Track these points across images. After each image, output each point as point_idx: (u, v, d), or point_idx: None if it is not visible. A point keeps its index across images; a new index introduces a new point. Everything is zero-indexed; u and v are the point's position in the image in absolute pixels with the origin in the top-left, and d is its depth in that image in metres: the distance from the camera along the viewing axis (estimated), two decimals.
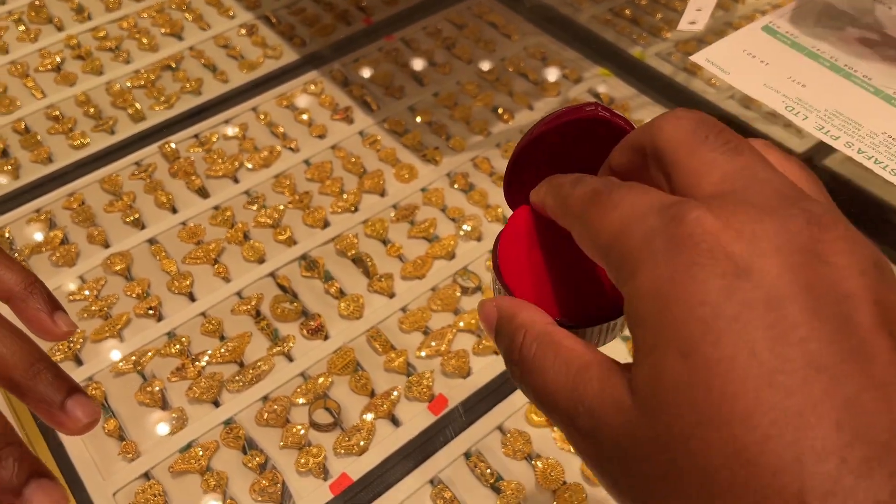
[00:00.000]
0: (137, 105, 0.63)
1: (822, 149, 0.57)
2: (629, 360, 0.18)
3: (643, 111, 0.64)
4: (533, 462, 0.43)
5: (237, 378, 0.47)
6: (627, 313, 0.18)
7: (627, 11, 0.73)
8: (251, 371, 0.47)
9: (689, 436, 0.15)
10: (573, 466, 0.43)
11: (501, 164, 0.60)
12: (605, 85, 0.66)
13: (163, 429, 0.45)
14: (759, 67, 0.39)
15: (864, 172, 0.36)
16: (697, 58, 0.40)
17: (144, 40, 0.69)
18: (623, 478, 0.17)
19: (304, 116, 0.63)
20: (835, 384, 0.15)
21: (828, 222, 0.17)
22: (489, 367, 0.48)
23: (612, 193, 0.19)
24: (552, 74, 0.67)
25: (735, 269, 0.16)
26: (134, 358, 0.48)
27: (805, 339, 0.15)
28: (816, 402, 0.15)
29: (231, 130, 0.62)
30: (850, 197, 0.54)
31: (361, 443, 0.44)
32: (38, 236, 0.55)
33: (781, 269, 0.16)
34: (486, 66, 0.67)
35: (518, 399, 0.46)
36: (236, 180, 0.59)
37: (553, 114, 0.24)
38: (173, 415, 0.45)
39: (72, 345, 0.49)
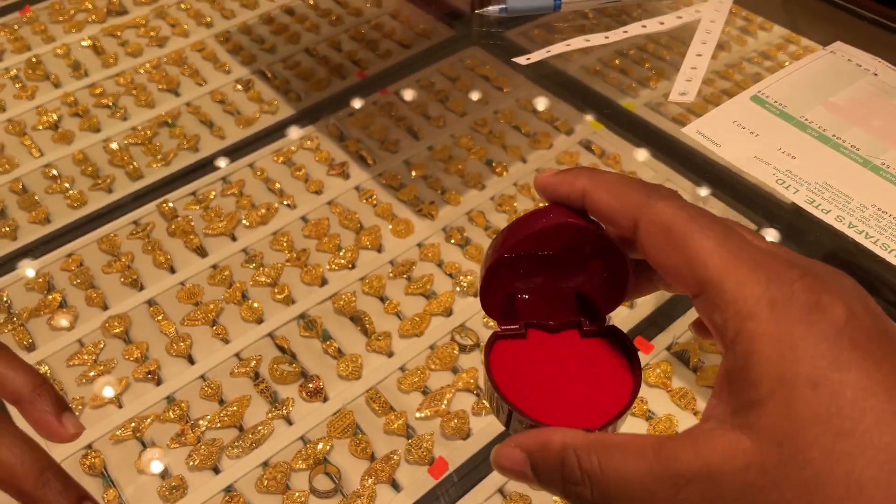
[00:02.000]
0: (135, 163, 0.64)
1: None
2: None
3: (634, 162, 0.65)
4: None
5: (237, 443, 0.47)
6: (741, 354, 0.20)
7: (617, 62, 0.74)
8: (251, 436, 0.47)
9: (830, 449, 0.18)
10: None
11: (496, 218, 0.61)
12: (596, 136, 0.67)
13: (163, 498, 0.45)
14: (749, 139, 0.40)
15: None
16: (689, 130, 0.41)
17: (141, 97, 0.70)
18: None
19: (301, 172, 0.64)
20: None
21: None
22: (488, 427, 0.48)
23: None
24: (543, 126, 0.68)
25: (846, 314, 0.19)
26: (133, 424, 0.48)
27: None
28: None
29: (236, 168, 0.62)
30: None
31: None
32: (35, 299, 0.55)
33: (865, 311, 0.20)
34: (478, 119, 0.68)
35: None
36: (234, 238, 0.59)
37: (523, 218, 0.25)
38: (173, 483, 0.45)
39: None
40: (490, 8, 0.48)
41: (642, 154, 0.65)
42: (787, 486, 0.18)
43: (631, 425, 0.48)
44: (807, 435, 0.18)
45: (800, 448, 0.18)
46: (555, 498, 0.45)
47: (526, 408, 0.24)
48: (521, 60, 0.45)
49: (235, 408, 0.49)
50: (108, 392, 0.49)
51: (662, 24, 0.44)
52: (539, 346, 0.24)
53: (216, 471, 0.46)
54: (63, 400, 0.28)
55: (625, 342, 0.25)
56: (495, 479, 0.45)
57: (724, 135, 0.40)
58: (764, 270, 0.21)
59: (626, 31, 0.45)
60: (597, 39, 0.44)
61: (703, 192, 0.62)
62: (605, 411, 0.24)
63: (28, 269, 0.57)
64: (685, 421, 0.48)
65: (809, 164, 0.39)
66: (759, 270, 0.21)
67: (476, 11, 0.68)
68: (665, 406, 0.49)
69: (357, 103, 0.70)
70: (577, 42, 0.43)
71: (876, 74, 0.45)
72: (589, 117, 0.68)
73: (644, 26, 0.44)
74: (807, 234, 0.58)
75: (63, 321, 0.53)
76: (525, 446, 0.22)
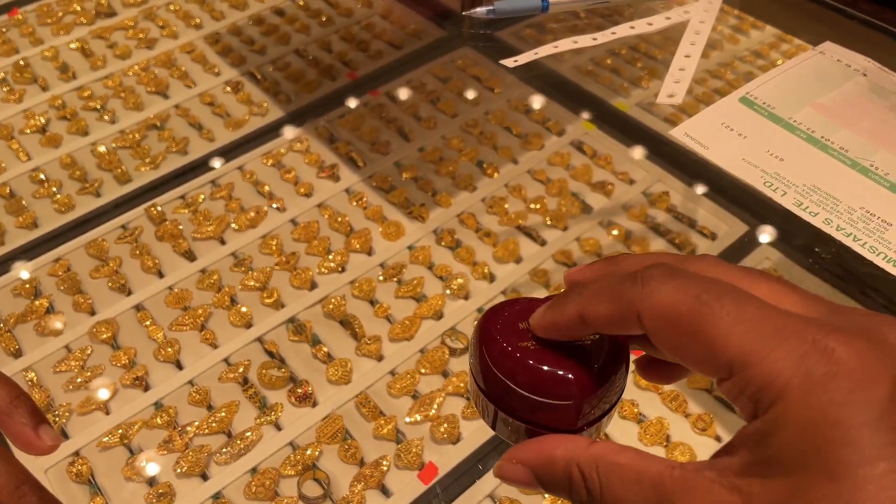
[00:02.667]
0: (123, 166, 0.64)
1: None
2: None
3: (627, 162, 0.64)
4: None
5: (225, 450, 0.47)
6: (767, 434, 0.19)
7: (609, 62, 0.74)
8: (239, 442, 0.47)
9: None
10: None
11: (487, 220, 0.60)
12: (587, 136, 0.67)
13: None
14: (737, 141, 0.40)
15: None
16: (676, 132, 0.40)
17: (130, 99, 0.69)
18: None
19: (291, 174, 0.63)
20: None
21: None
22: (478, 431, 0.48)
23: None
24: (535, 127, 0.68)
25: (892, 390, 0.18)
26: (121, 431, 0.47)
27: None
28: None
29: (226, 171, 0.62)
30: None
31: None
32: (23, 304, 0.54)
33: None
34: (469, 120, 0.68)
35: None
36: (223, 242, 0.59)
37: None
38: (160, 490, 0.45)
39: (57, 418, 0.48)
40: (478, 10, 0.48)
41: (634, 154, 0.65)
42: None
43: (622, 428, 0.48)
44: None
45: None
46: (544, 503, 0.45)
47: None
48: (509, 63, 0.44)
49: (224, 413, 0.48)
50: (104, 394, 0.49)
51: (651, 24, 0.44)
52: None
53: (204, 477, 0.46)
54: (40, 412, 0.27)
55: (616, 341, 0.25)
56: (485, 484, 0.45)
57: (712, 137, 0.40)
58: (796, 341, 0.18)
59: (614, 33, 0.44)
60: (585, 41, 0.44)
61: (697, 191, 0.62)
62: (591, 404, 0.23)
63: (15, 273, 0.56)
64: (676, 424, 0.48)
65: (797, 166, 0.39)
66: (789, 342, 0.18)
67: (464, 13, 0.68)
68: (656, 409, 0.49)
69: (348, 105, 0.69)
70: (565, 44, 0.43)
71: (865, 75, 0.44)
72: (581, 118, 0.68)
73: (632, 27, 0.44)
74: (801, 235, 0.58)
75: (58, 323, 0.53)
76: (527, 462, 0.22)
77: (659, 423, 0.48)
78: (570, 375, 0.23)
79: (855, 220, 0.37)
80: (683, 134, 0.40)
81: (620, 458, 0.20)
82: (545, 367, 0.23)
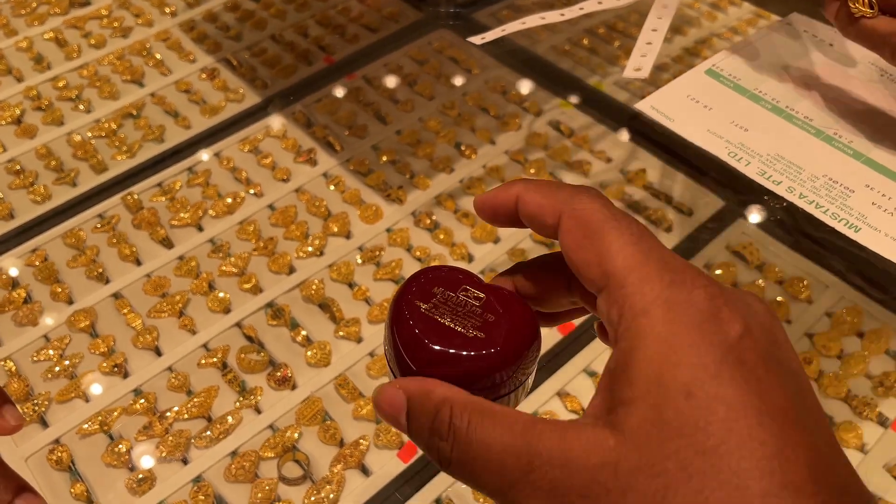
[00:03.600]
0: (99, 155, 0.63)
1: None
2: None
3: (604, 141, 0.65)
4: None
5: (205, 434, 0.47)
6: (625, 350, 0.20)
7: (585, 41, 0.74)
8: (219, 426, 0.47)
9: (687, 463, 0.17)
10: None
11: (465, 202, 0.60)
12: (565, 116, 0.67)
13: (131, 490, 0.45)
14: (702, 113, 0.40)
15: None
16: (642, 105, 0.40)
17: (105, 88, 0.69)
18: None
19: (268, 160, 0.63)
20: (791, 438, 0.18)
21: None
22: None
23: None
24: (513, 108, 0.68)
25: (742, 331, 0.19)
26: (100, 418, 0.48)
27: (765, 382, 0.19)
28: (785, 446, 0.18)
29: (204, 157, 0.62)
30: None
31: (332, 495, 0.44)
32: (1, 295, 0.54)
33: (763, 334, 0.20)
34: (447, 102, 0.68)
35: None
36: (200, 228, 0.59)
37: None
38: (141, 475, 0.45)
39: (37, 407, 0.48)
40: None
41: (611, 133, 0.65)
42: (633, 494, 0.18)
43: None
44: (668, 445, 0.18)
45: (657, 457, 0.18)
46: None
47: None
48: (476, 40, 0.44)
49: (203, 398, 0.48)
50: (83, 382, 0.49)
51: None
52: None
53: (184, 462, 0.46)
54: (4, 393, 0.27)
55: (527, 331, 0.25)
56: None
57: (678, 109, 0.40)
58: (670, 273, 0.20)
59: (581, 8, 0.44)
60: (552, 17, 0.44)
61: (674, 168, 0.62)
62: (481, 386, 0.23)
63: None
64: None
65: (762, 136, 0.39)
66: (665, 272, 0.20)
67: None
68: None
69: (324, 89, 0.69)
70: (533, 20, 0.43)
71: (832, 45, 0.44)
72: (558, 98, 0.68)
73: (600, 2, 0.44)
74: (777, 210, 0.58)
75: (38, 314, 0.53)
76: (408, 390, 0.22)
77: None
78: (434, 355, 0.23)
79: (818, 187, 0.37)
80: (649, 107, 0.40)
81: (496, 408, 0.21)
82: (437, 347, 0.23)
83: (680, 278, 0.20)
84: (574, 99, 0.68)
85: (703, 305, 0.19)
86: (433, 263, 0.56)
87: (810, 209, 0.36)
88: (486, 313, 0.25)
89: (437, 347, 0.23)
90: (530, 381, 0.25)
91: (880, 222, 0.36)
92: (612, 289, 0.20)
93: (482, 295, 0.25)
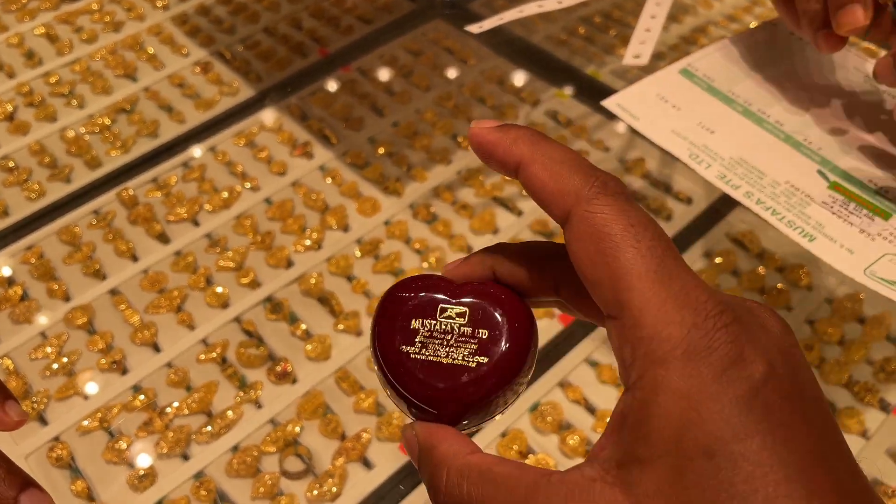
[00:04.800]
0: (93, 151, 0.63)
1: None
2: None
3: (602, 130, 0.64)
4: None
5: (205, 429, 0.46)
6: (641, 401, 0.18)
7: (581, 30, 0.74)
8: (219, 421, 0.47)
9: None
10: None
11: (463, 193, 0.60)
12: (562, 105, 0.66)
13: (132, 487, 0.45)
14: (669, 113, 0.39)
15: None
16: (608, 103, 0.40)
17: (98, 83, 0.68)
18: None
19: (263, 154, 0.63)
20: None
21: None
22: None
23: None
24: (509, 98, 0.67)
25: (766, 372, 0.18)
26: (100, 415, 0.47)
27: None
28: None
29: (198, 153, 0.61)
30: None
31: (334, 489, 0.44)
32: None
33: (786, 367, 0.18)
34: (443, 93, 0.67)
35: (490, 433, 0.46)
36: (197, 223, 0.58)
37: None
38: (142, 472, 0.45)
39: (36, 405, 0.48)
40: None
41: (608, 121, 0.65)
42: None
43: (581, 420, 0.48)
44: None
45: None
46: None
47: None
48: (474, 29, 0.44)
49: (203, 394, 0.48)
50: (82, 379, 0.49)
51: None
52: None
53: (185, 457, 0.46)
54: (6, 388, 0.27)
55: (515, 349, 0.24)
56: None
57: (646, 109, 0.39)
58: (691, 312, 0.18)
59: None
60: (550, 5, 0.43)
61: (672, 157, 0.62)
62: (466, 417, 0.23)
63: None
64: None
65: (728, 139, 0.38)
66: (685, 310, 0.18)
67: None
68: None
69: (319, 82, 0.69)
70: (530, 8, 0.42)
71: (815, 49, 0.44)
72: (555, 87, 0.68)
73: None
74: None
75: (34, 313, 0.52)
76: (420, 439, 0.22)
77: None
78: (445, 394, 0.23)
79: (777, 194, 0.36)
80: (616, 105, 0.39)
81: (497, 470, 0.20)
82: (423, 378, 0.23)
83: (702, 319, 0.18)
84: (570, 89, 0.68)
85: (724, 351, 0.18)
86: (431, 257, 0.56)
87: (766, 216, 0.35)
88: (476, 329, 0.23)
89: (441, 385, 0.23)
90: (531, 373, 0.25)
91: (837, 232, 0.35)
92: (626, 324, 0.19)
93: (463, 310, 0.24)
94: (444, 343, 0.23)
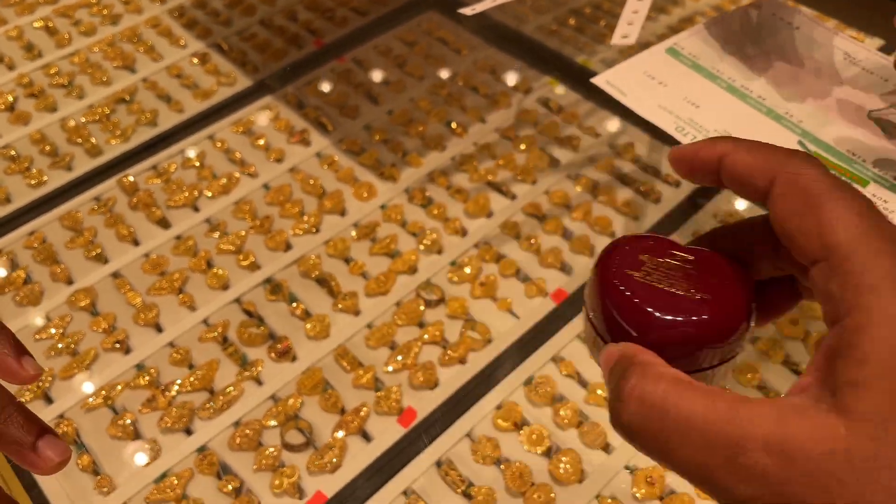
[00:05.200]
0: (93, 140, 0.64)
1: None
2: None
3: (591, 117, 0.66)
4: (501, 466, 0.45)
5: (208, 405, 0.48)
6: (851, 329, 0.19)
7: (571, 21, 0.75)
8: (221, 397, 0.48)
9: None
10: (540, 468, 0.45)
11: (457, 178, 0.61)
12: (553, 93, 0.68)
13: (137, 461, 0.46)
14: (656, 89, 0.41)
15: None
16: (598, 80, 0.41)
17: (97, 75, 0.69)
18: (821, 500, 0.17)
19: (261, 141, 0.64)
20: None
21: None
22: (455, 377, 0.49)
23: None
24: (502, 86, 0.69)
25: None
26: (104, 392, 0.48)
27: None
28: None
29: (192, 152, 0.63)
30: None
31: (334, 460, 0.45)
32: (1, 272, 0.55)
33: None
34: (437, 82, 0.69)
35: (485, 406, 0.47)
36: (196, 209, 0.59)
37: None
38: (146, 446, 0.46)
39: (41, 383, 0.49)
40: None
41: (599, 108, 0.66)
42: (873, 487, 0.17)
43: None
44: None
45: None
46: (519, 439, 0.46)
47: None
48: (467, 11, 0.45)
49: (205, 371, 0.49)
50: (86, 358, 0.50)
51: None
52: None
53: (188, 432, 0.47)
54: (21, 343, 0.28)
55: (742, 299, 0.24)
56: (464, 424, 0.47)
57: (633, 85, 0.41)
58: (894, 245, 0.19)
59: None
60: None
61: (661, 141, 0.63)
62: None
63: None
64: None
65: (712, 113, 0.40)
66: (894, 243, 0.19)
67: None
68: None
69: (315, 72, 0.70)
70: None
71: (798, 28, 0.46)
72: (546, 76, 0.69)
73: None
74: None
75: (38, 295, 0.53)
76: (622, 348, 0.22)
77: None
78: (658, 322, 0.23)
79: None
80: (605, 82, 0.41)
81: (695, 382, 0.20)
82: (659, 314, 0.23)
83: None
84: (562, 77, 0.69)
85: None
86: (429, 238, 0.57)
87: None
88: (701, 275, 0.24)
89: (659, 314, 0.23)
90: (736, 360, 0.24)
91: None
92: (833, 262, 0.19)
93: (691, 257, 0.24)
94: (669, 277, 0.24)
